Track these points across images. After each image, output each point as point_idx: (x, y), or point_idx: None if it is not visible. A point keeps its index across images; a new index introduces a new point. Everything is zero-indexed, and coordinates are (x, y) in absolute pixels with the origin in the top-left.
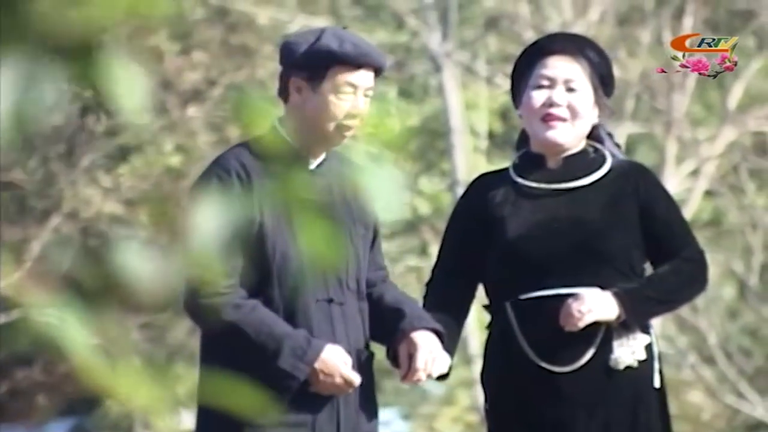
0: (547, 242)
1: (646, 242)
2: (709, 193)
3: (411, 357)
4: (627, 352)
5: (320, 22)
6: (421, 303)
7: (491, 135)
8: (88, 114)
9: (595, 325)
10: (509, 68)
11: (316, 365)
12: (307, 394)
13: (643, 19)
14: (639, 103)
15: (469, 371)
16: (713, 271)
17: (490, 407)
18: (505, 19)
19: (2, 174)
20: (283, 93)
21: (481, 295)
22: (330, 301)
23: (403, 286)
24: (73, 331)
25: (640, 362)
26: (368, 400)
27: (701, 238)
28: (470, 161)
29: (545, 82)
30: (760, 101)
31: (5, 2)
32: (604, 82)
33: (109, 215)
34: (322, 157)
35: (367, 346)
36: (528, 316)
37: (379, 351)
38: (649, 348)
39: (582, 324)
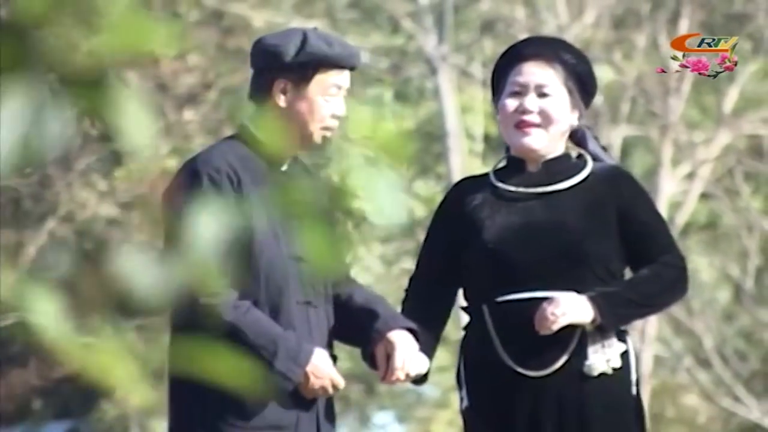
0: (524, 245)
1: (626, 247)
2: (704, 196)
3: (389, 357)
4: (601, 359)
5: (316, 25)
6: (399, 309)
7: (487, 138)
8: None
9: (570, 329)
10: None
11: (308, 368)
12: (291, 396)
13: (639, 22)
14: (635, 107)
15: None
16: (709, 274)
17: (466, 408)
18: (500, 23)
19: None
20: (261, 94)
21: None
22: (308, 303)
23: (399, 288)
24: (52, 319)
25: (615, 370)
26: (330, 405)
27: (697, 241)
28: (466, 164)
29: (517, 89)
30: (756, 104)
31: (12, 32)
32: (582, 83)
33: (105, 218)
34: (289, 160)
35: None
36: (504, 318)
37: (355, 353)
38: (625, 356)
39: (556, 327)
